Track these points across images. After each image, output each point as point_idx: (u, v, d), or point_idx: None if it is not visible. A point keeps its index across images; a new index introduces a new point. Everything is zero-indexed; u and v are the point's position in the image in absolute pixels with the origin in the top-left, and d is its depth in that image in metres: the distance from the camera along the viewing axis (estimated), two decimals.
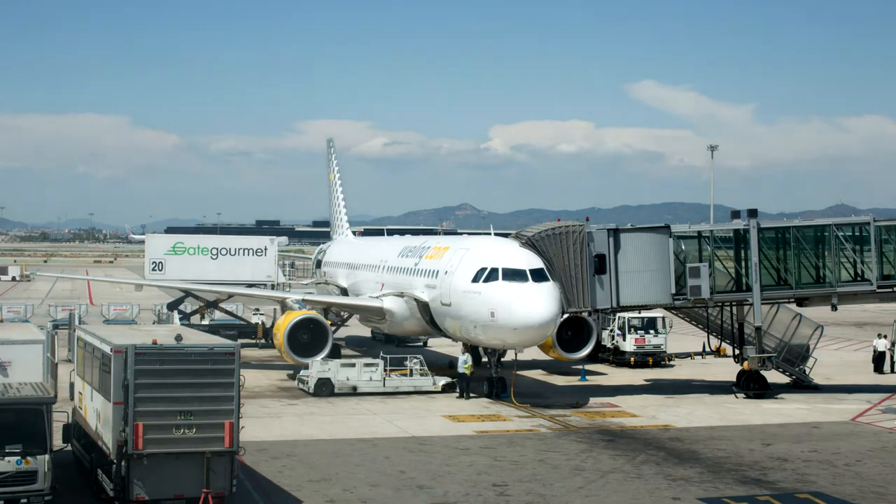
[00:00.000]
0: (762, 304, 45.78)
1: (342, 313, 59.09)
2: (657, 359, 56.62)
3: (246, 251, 63.11)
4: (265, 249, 63.48)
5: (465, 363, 45.04)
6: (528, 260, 42.53)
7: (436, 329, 48.17)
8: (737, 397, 45.80)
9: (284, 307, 54.38)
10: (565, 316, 46.43)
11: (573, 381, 51.06)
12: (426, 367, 46.92)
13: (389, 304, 51.87)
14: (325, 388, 44.87)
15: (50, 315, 71.15)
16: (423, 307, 47.66)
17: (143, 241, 75.44)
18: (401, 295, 50.65)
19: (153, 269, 62.59)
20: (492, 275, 41.99)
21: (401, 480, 29.73)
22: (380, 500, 27.68)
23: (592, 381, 51.39)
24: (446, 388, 45.89)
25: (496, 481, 29.71)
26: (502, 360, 44.81)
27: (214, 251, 62.93)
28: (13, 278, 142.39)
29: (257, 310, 69.23)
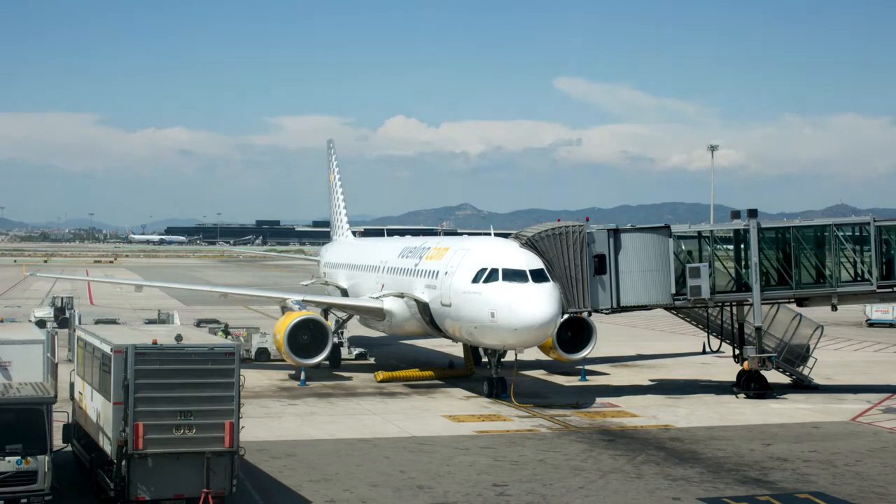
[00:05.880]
0: (762, 304, 45.78)
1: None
2: None
3: None
4: None
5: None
6: (528, 260, 42.51)
7: (436, 330, 48.13)
8: (737, 397, 45.78)
9: (284, 308, 54.37)
10: (565, 316, 46.41)
11: (573, 381, 51.04)
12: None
13: (389, 304, 51.82)
14: (263, 356, 56.24)
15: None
16: (424, 308, 47.63)
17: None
18: (401, 296, 50.60)
19: None
20: (492, 275, 41.98)
21: (401, 480, 29.74)
22: (380, 500, 27.69)
23: (593, 381, 51.37)
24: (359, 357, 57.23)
25: (496, 481, 29.72)
26: (502, 360, 44.82)
27: None
28: None
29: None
